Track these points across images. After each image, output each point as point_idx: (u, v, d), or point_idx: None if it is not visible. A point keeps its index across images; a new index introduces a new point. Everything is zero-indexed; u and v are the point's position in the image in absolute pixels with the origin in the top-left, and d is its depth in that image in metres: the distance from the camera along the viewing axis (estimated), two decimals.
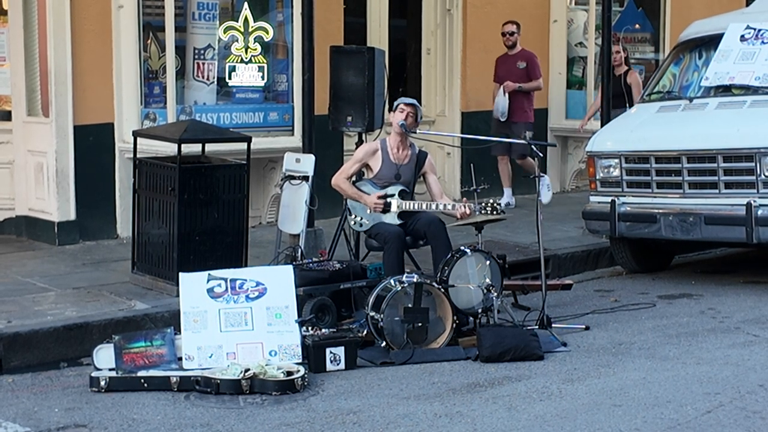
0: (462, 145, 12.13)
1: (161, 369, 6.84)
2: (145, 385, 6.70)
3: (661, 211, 9.40)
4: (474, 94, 12.95)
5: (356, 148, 9.45)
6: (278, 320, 7.14)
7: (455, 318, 7.55)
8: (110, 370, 6.80)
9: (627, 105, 11.54)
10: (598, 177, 9.86)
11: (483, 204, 8.14)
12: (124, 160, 10.29)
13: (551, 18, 13.74)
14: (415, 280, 7.55)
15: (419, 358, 7.30)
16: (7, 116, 10.57)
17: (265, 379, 6.61)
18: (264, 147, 10.52)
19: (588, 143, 10.21)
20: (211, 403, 6.45)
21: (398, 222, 8.31)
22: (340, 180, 8.52)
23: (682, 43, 10.79)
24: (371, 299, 7.59)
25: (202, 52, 10.84)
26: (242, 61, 11.08)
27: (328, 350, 7.10)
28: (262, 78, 11.21)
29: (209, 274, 7.31)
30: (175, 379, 6.71)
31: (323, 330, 7.37)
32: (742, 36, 9.96)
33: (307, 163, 9.10)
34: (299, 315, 7.37)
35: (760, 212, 8.89)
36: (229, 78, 11.06)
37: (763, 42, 9.82)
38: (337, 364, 7.10)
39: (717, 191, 9.18)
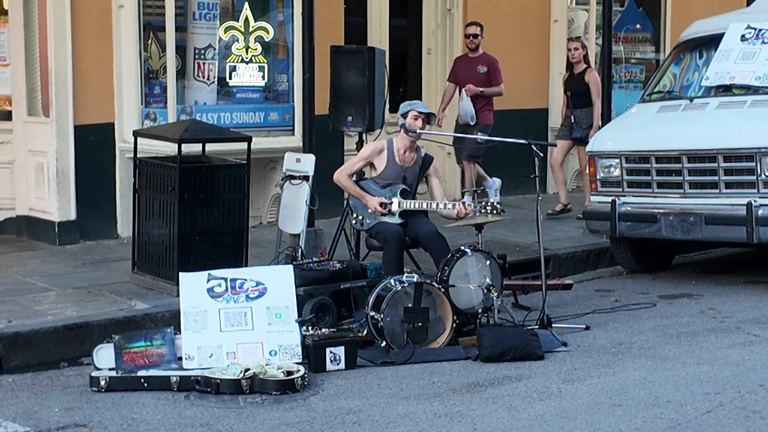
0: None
1: (161, 369, 6.84)
2: (145, 384, 6.70)
3: (661, 210, 9.40)
4: None
5: (357, 148, 9.48)
6: (278, 320, 7.14)
7: (455, 318, 7.55)
8: (110, 369, 6.80)
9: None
10: (598, 177, 9.86)
11: (483, 203, 8.14)
12: (124, 160, 10.30)
13: (552, 18, 13.74)
14: (415, 279, 7.56)
15: (419, 357, 7.30)
16: (7, 116, 10.57)
17: (265, 379, 6.61)
18: (264, 147, 10.53)
19: (588, 143, 10.21)
20: (211, 403, 6.45)
21: (399, 221, 8.31)
22: (342, 176, 8.51)
23: (682, 42, 10.79)
24: (371, 299, 7.59)
25: (202, 51, 10.84)
26: (243, 60, 11.08)
27: (328, 350, 7.10)
28: (263, 78, 11.21)
29: (209, 274, 7.31)
30: (175, 378, 6.71)
31: (323, 330, 7.37)
32: (743, 36, 9.96)
33: (307, 163, 9.10)
34: (299, 315, 7.37)
35: (760, 212, 8.89)
36: (230, 78, 11.06)
37: (763, 42, 9.82)
38: (337, 364, 7.10)
39: (717, 191, 9.18)
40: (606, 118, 11.41)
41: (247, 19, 11.10)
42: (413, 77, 13.01)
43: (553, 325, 7.95)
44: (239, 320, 7.11)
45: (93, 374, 6.74)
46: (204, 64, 10.86)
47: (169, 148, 8.78)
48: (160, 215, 8.40)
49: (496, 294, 7.73)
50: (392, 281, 7.59)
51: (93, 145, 10.30)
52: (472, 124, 11.55)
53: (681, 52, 10.69)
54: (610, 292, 9.43)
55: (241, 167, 8.52)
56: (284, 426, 6.02)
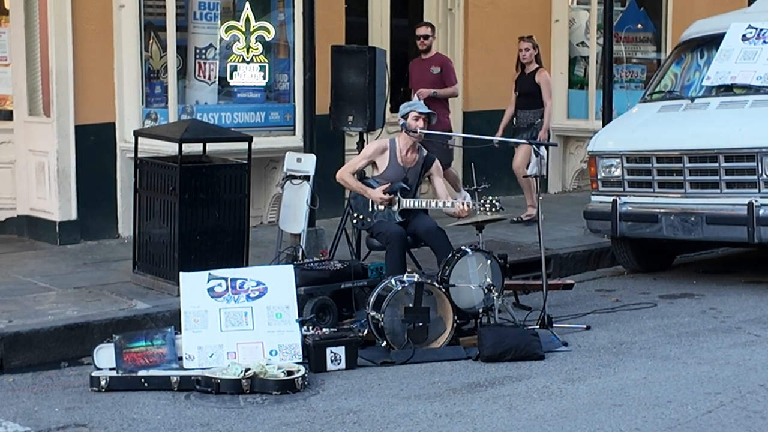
0: (464, 144, 12.11)
1: (162, 368, 6.83)
2: (146, 384, 6.70)
3: (662, 210, 9.39)
4: (475, 94, 12.95)
5: (357, 148, 9.48)
6: (279, 320, 7.14)
7: (456, 318, 7.55)
8: (111, 369, 6.80)
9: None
10: (599, 177, 9.85)
11: (482, 201, 8.14)
12: (125, 160, 10.29)
13: (553, 17, 13.73)
14: (415, 279, 7.55)
15: (420, 357, 7.30)
16: (8, 116, 10.57)
17: (265, 379, 6.61)
18: (265, 147, 10.52)
19: (589, 143, 10.20)
20: (212, 403, 6.45)
21: (400, 220, 8.31)
22: (345, 174, 8.51)
23: (683, 42, 10.78)
24: (372, 299, 7.59)
25: (203, 51, 10.84)
26: (243, 60, 11.07)
27: (328, 350, 7.10)
28: (264, 78, 11.21)
29: (210, 274, 7.31)
30: (175, 378, 6.71)
31: (324, 329, 7.36)
32: (744, 35, 9.95)
33: (308, 163, 9.10)
34: (300, 314, 7.37)
35: (761, 212, 8.88)
36: (231, 78, 11.06)
37: (764, 42, 9.81)
38: (338, 364, 7.10)
39: (718, 191, 9.18)
40: (607, 118, 11.39)
41: (248, 19, 11.09)
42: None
43: (554, 325, 7.95)
44: (240, 320, 7.11)
45: (93, 374, 6.74)
46: (205, 63, 10.86)
47: (169, 148, 8.79)
48: (160, 215, 8.40)
49: (496, 294, 7.73)
50: (393, 281, 7.59)
51: (94, 144, 10.30)
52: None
53: (682, 51, 10.68)
54: (611, 292, 9.43)
55: (241, 167, 8.51)
56: (284, 426, 6.02)
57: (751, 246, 9.62)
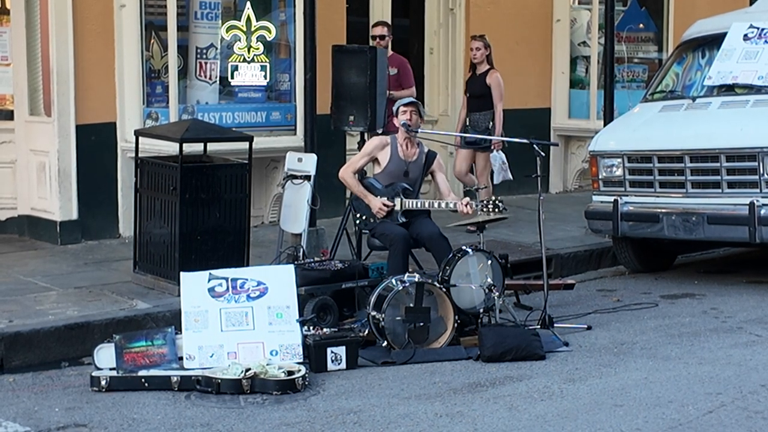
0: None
1: (162, 368, 6.83)
2: (146, 384, 6.70)
3: (663, 210, 9.38)
4: None
5: (358, 148, 9.47)
6: (279, 320, 7.13)
7: (457, 318, 7.54)
8: (111, 369, 6.79)
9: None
10: (600, 176, 9.84)
11: (485, 201, 8.13)
12: (126, 160, 10.29)
13: (554, 17, 13.71)
14: (416, 279, 7.55)
15: (420, 357, 7.29)
16: (9, 116, 10.56)
17: (265, 379, 6.61)
18: (266, 146, 10.52)
19: (591, 143, 10.20)
20: (212, 403, 6.44)
21: (402, 221, 8.30)
22: (347, 174, 8.51)
23: (685, 42, 10.77)
24: (373, 299, 7.59)
25: (204, 51, 10.83)
26: (245, 60, 11.07)
27: (329, 350, 7.09)
28: (265, 77, 11.20)
29: (210, 274, 7.30)
30: (175, 378, 6.70)
31: (324, 329, 7.36)
32: (746, 35, 9.94)
33: (309, 163, 9.09)
34: (301, 314, 7.36)
35: (763, 212, 8.88)
36: (232, 77, 11.05)
37: (766, 41, 9.80)
38: (338, 364, 7.09)
39: (720, 191, 9.17)
40: (608, 117, 11.38)
41: (249, 19, 11.09)
42: (416, 77, 12.96)
43: (555, 325, 7.94)
44: (240, 320, 7.10)
45: (94, 374, 6.74)
46: (206, 63, 10.85)
47: (170, 148, 8.78)
48: (161, 215, 8.39)
49: (497, 294, 7.72)
50: (394, 281, 7.59)
51: (95, 144, 10.29)
52: (379, 132, 9.75)
53: (683, 51, 10.67)
54: (612, 292, 9.42)
55: (242, 167, 8.51)
56: (285, 426, 6.02)
57: (753, 246, 9.61)
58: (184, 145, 8.30)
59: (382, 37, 10.85)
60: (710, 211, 9.15)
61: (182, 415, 6.22)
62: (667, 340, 7.76)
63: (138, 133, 8.99)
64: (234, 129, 10.34)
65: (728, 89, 9.79)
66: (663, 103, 10.12)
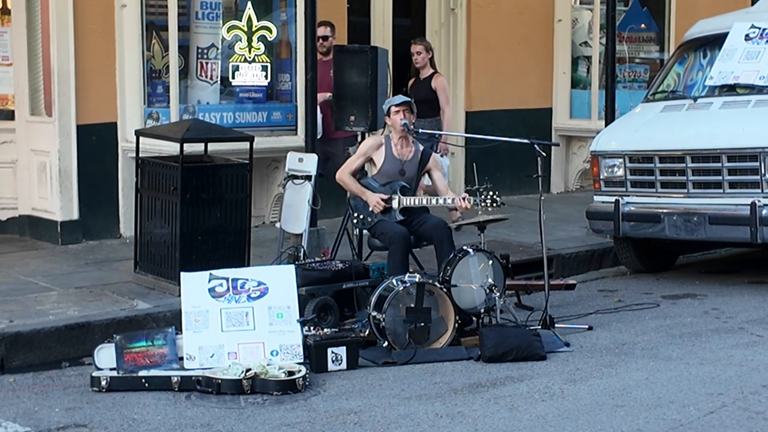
0: (465, 144, 12.11)
1: (162, 369, 6.82)
2: (146, 384, 6.69)
3: (665, 210, 9.38)
4: (478, 94, 12.94)
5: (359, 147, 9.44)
6: (280, 320, 7.13)
7: (457, 318, 7.53)
8: (111, 369, 6.79)
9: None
10: (602, 177, 9.83)
11: (483, 196, 8.12)
12: (127, 160, 10.29)
13: (555, 17, 13.71)
14: (417, 279, 7.54)
15: (421, 358, 7.28)
16: (10, 116, 10.57)
17: (266, 379, 6.60)
18: (267, 146, 10.52)
19: (592, 143, 10.19)
20: (212, 403, 6.44)
21: (400, 219, 8.29)
22: (344, 175, 8.50)
23: (686, 42, 10.76)
24: (373, 299, 7.58)
25: (205, 51, 10.84)
26: (245, 60, 11.06)
27: (329, 350, 7.08)
28: (266, 77, 11.20)
29: (211, 274, 7.30)
30: (176, 378, 6.70)
31: (325, 330, 7.35)
32: (747, 35, 9.93)
33: (309, 163, 9.09)
34: (301, 315, 7.35)
35: (764, 212, 8.87)
36: (233, 77, 11.05)
37: (767, 41, 9.79)
38: (339, 364, 7.08)
39: (721, 191, 9.16)
40: (610, 117, 11.38)
41: (250, 19, 11.08)
42: None
43: (556, 325, 7.93)
44: (240, 320, 7.10)
45: (94, 374, 6.73)
46: (207, 63, 10.85)
47: (171, 148, 8.77)
48: (162, 215, 8.39)
49: (498, 294, 7.71)
50: (394, 281, 7.58)
51: (95, 144, 10.29)
52: (318, 137, 9.80)
53: (685, 51, 10.66)
54: (614, 293, 9.41)
55: (243, 167, 8.50)
56: (285, 426, 6.01)
57: (754, 246, 9.60)
58: (185, 145, 8.29)
59: (325, 38, 10.66)
60: (712, 211, 9.14)
61: (182, 416, 6.21)
62: (669, 340, 7.75)
63: (139, 133, 8.98)
64: (235, 129, 10.33)
65: (730, 89, 9.78)
66: (664, 103, 10.11)
